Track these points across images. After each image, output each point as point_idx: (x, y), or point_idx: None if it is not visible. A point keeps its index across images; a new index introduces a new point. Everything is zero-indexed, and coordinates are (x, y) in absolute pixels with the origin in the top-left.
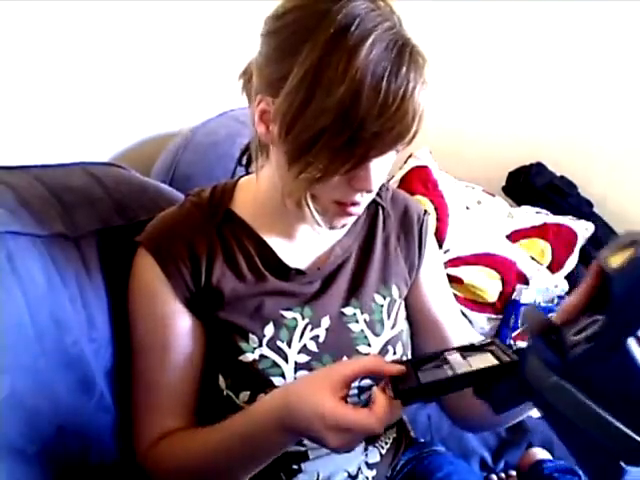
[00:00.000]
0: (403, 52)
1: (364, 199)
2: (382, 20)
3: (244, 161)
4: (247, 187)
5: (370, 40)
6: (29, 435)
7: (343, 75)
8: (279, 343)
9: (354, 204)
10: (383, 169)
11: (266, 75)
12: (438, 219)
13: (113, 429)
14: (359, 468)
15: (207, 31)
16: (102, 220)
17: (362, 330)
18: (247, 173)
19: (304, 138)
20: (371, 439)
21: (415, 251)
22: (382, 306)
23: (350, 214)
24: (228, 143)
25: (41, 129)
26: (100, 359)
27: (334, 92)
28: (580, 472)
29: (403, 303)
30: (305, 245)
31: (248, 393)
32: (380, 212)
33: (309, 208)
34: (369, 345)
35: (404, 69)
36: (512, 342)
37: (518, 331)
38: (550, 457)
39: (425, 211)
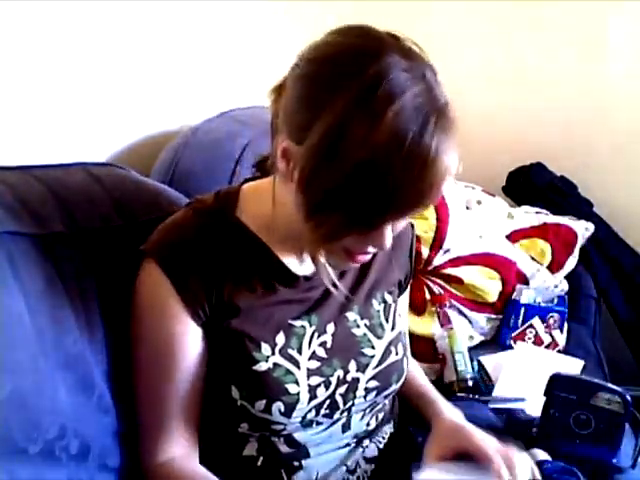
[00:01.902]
0: (429, 120)
1: (375, 250)
2: (412, 84)
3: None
4: (254, 196)
5: (395, 107)
6: (30, 435)
7: (364, 141)
8: (290, 351)
9: (365, 253)
10: (399, 227)
11: (291, 119)
12: (438, 219)
13: (113, 429)
14: (357, 463)
15: (207, 31)
16: (102, 220)
17: (365, 334)
18: (252, 179)
19: (319, 198)
20: (369, 434)
21: (407, 262)
22: (379, 311)
23: (357, 262)
24: (228, 143)
25: (41, 129)
26: (100, 359)
27: (353, 156)
28: (579, 473)
29: (397, 305)
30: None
31: (264, 402)
32: None
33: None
34: (373, 347)
35: (427, 138)
36: (512, 342)
37: (518, 331)
38: (550, 458)
39: (412, 225)
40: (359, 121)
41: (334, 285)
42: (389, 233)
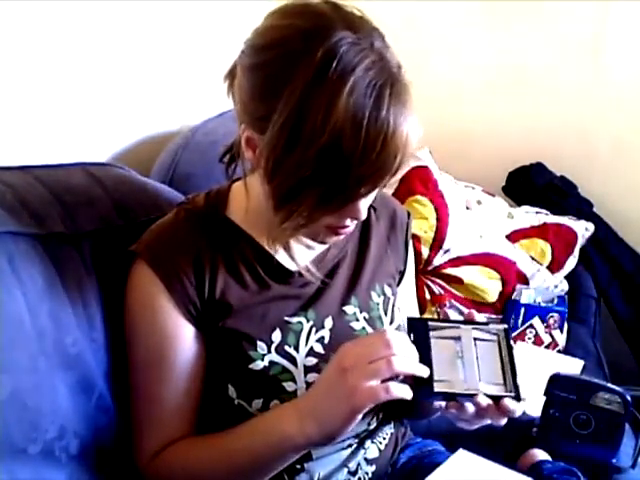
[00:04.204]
0: (382, 93)
1: (355, 222)
2: (362, 57)
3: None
4: (240, 192)
5: (348, 87)
6: (30, 435)
7: (322, 126)
8: (287, 348)
9: (345, 227)
10: (371, 197)
11: (249, 110)
12: (438, 219)
13: (113, 429)
14: (358, 464)
15: (207, 31)
16: (102, 220)
17: (363, 327)
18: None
19: (286, 187)
20: (370, 434)
21: (402, 254)
22: (378, 304)
23: (341, 234)
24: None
25: (41, 129)
26: (100, 359)
27: (314, 142)
28: (579, 473)
29: (396, 298)
30: (301, 247)
31: (261, 401)
32: (372, 213)
33: (296, 239)
34: None
35: (383, 112)
36: (512, 342)
37: (518, 331)
38: (549, 458)
39: (409, 214)
40: (315, 106)
41: (308, 270)
42: (363, 205)
